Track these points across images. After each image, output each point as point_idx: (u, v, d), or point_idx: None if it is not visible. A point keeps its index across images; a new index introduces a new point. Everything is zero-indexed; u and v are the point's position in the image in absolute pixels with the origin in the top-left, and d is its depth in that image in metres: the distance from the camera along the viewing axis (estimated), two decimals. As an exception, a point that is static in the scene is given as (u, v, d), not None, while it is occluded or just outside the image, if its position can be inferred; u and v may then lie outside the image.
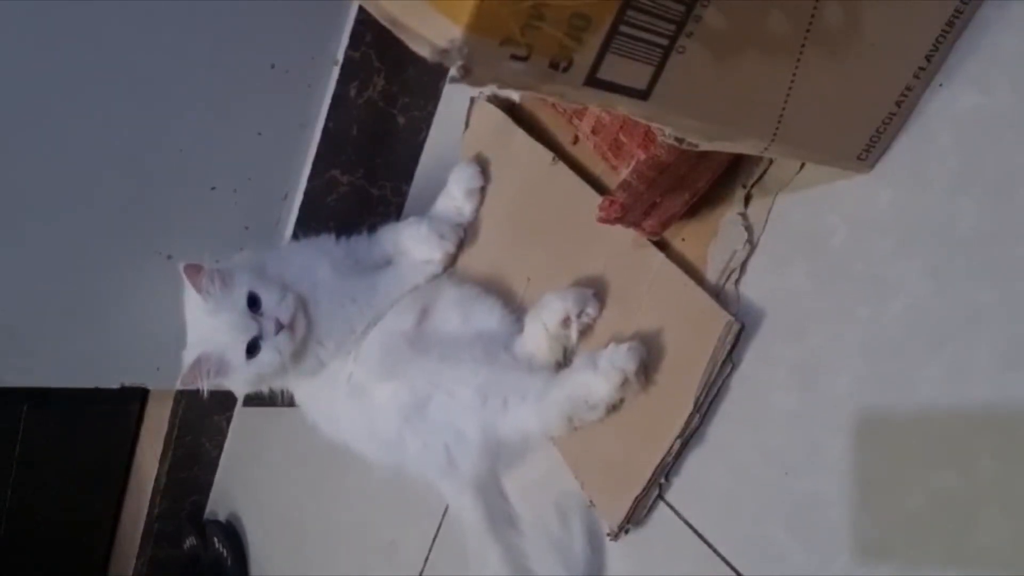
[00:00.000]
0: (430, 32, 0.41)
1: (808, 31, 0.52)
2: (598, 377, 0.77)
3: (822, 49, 0.53)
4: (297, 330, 0.95)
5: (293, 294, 0.95)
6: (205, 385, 0.94)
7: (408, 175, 1.28)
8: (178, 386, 0.97)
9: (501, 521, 0.88)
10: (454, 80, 0.42)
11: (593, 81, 0.46)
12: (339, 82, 1.17)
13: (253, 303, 0.94)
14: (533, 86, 0.45)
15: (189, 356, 0.95)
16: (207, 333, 0.94)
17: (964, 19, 0.59)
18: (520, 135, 0.99)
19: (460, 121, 1.11)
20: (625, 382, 0.76)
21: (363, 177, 1.25)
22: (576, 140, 0.95)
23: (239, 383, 0.97)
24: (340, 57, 1.16)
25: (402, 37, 0.44)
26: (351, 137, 1.21)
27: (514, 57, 0.42)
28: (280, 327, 0.93)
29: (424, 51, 0.42)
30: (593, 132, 0.87)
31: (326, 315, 0.98)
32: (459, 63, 0.41)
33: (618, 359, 0.76)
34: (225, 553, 1.58)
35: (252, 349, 0.93)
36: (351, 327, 0.99)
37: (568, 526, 0.84)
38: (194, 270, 0.93)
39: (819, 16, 0.52)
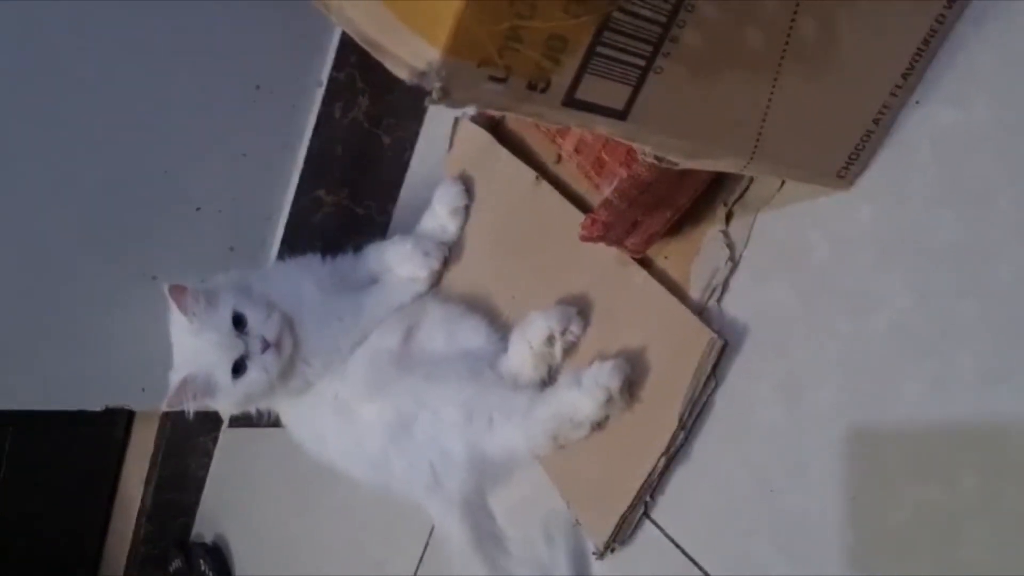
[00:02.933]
0: (408, 54, 0.42)
1: (785, 50, 0.52)
2: (583, 395, 0.77)
3: (799, 67, 0.54)
4: (284, 348, 0.94)
5: (279, 312, 0.95)
6: (192, 407, 0.93)
7: (393, 195, 1.28)
8: (164, 408, 0.93)
9: (487, 540, 0.87)
10: (432, 102, 0.42)
11: (571, 102, 0.46)
12: (324, 103, 1.17)
13: (238, 322, 0.93)
14: (511, 107, 0.45)
15: (175, 377, 0.94)
16: (193, 354, 0.93)
17: (940, 37, 0.59)
18: (504, 154, 1.00)
19: (444, 141, 1.11)
20: (609, 400, 0.76)
21: (348, 197, 1.25)
22: (559, 159, 0.95)
23: (226, 404, 0.96)
24: (324, 78, 1.16)
25: (380, 59, 0.44)
26: (336, 157, 1.21)
27: (492, 78, 0.42)
28: (266, 345, 0.93)
29: (402, 73, 0.42)
30: (576, 151, 0.88)
31: (312, 334, 0.98)
32: (437, 85, 0.41)
33: (602, 377, 0.76)
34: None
35: (238, 369, 0.92)
36: (337, 346, 0.99)
37: (553, 546, 0.84)
38: (178, 291, 0.93)
39: (795, 35, 0.52)
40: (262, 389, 0.95)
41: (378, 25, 0.43)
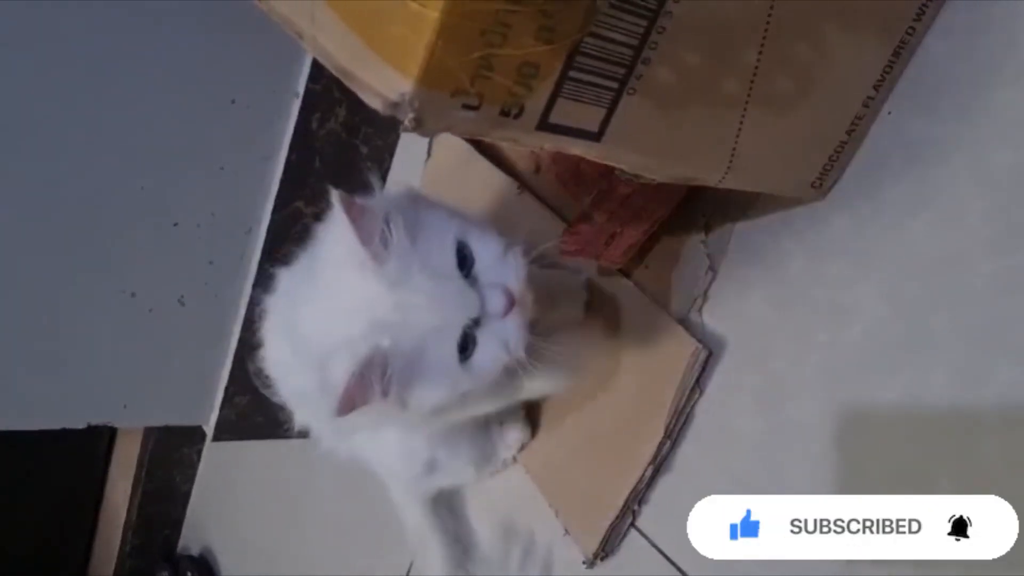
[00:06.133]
0: (381, 85, 0.42)
1: (755, 73, 0.53)
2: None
3: (771, 96, 0.54)
4: (526, 309, 0.59)
5: (521, 247, 0.61)
6: (376, 405, 0.55)
7: (372, 205, 1.28)
8: (338, 413, 0.54)
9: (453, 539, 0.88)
10: (405, 130, 0.42)
11: (545, 126, 0.46)
12: (300, 114, 1.18)
13: (461, 263, 0.59)
14: (485, 133, 0.45)
15: (342, 359, 0.55)
16: (378, 312, 0.56)
17: (910, 49, 0.60)
18: (483, 164, 1.00)
19: (423, 150, 1.11)
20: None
21: (327, 208, 1.25)
22: (538, 169, 0.95)
23: (429, 403, 0.59)
24: (301, 89, 1.16)
25: (354, 89, 0.44)
26: (314, 168, 1.21)
27: (465, 107, 0.42)
28: (511, 303, 0.58)
29: (375, 103, 0.42)
30: (554, 161, 0.88)
31: None
32: (410, 115, 0.41)
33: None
34: (199, 588, 1.57)
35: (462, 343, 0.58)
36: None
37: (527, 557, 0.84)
38: (355, 207, 0.57)
39: (766, 58, 0.52)
40: (486, 383, 0.60)
41: (351, 55, 0.43)
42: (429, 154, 1.10)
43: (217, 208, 1.19)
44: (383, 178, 1.26)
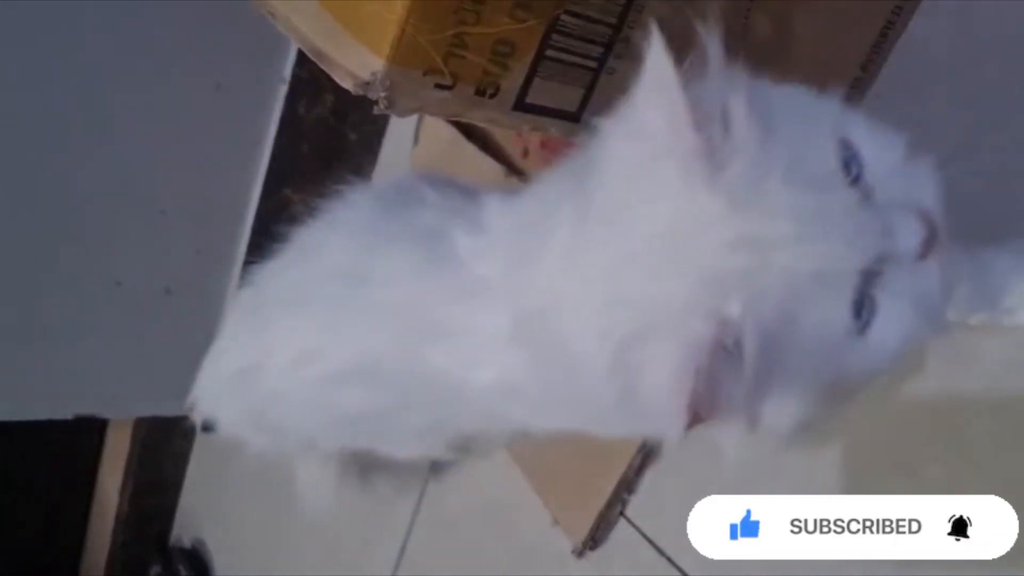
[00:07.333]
0: (353, 64, 0.41)
1: (740, 45, 0.52)
2: None
3: (755, 61, 0.53)
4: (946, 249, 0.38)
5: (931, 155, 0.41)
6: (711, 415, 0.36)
7: (361, 192, 1.27)
8: (677, 433, 0.35)
9: None
10: (379, 110, 0.42)
11: (522, 106, 0.45)
12: (288, 100, 1.16)
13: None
14: (461, 113, 0.45)
15: (664, 342, 0.34)
16: (718, 253, 0.34)
17: (896, 31, 0.59)
18: (470, 149, 0.99)
19: (411, 136, 1.10)
20: None
21: (316, 195, 1.23)
22: (526, 153, 0.94)
23: (798, 414, 0.39)
24: (288, 75, 1.15)
25: (326, 69, 0.43)
26: (302, 155, 1.20)
27: (439, 86, 0.42)
28: (932, 237, 0.37)
29: (347, 83, 0.41)
30: (543, 145, 0.87)
31: None
32: (382, 94, 0.40)
33: None
34: (191, 580, 1.56)
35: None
36: None
37: None
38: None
39: (750, 28, 0.52)
40: (883, 370, 0.40)
41: (324, 35, 0.43)
42: (416, 140, 1.09)
43: (203, 196, 1.18)
44: (372, 165, 1.25)
